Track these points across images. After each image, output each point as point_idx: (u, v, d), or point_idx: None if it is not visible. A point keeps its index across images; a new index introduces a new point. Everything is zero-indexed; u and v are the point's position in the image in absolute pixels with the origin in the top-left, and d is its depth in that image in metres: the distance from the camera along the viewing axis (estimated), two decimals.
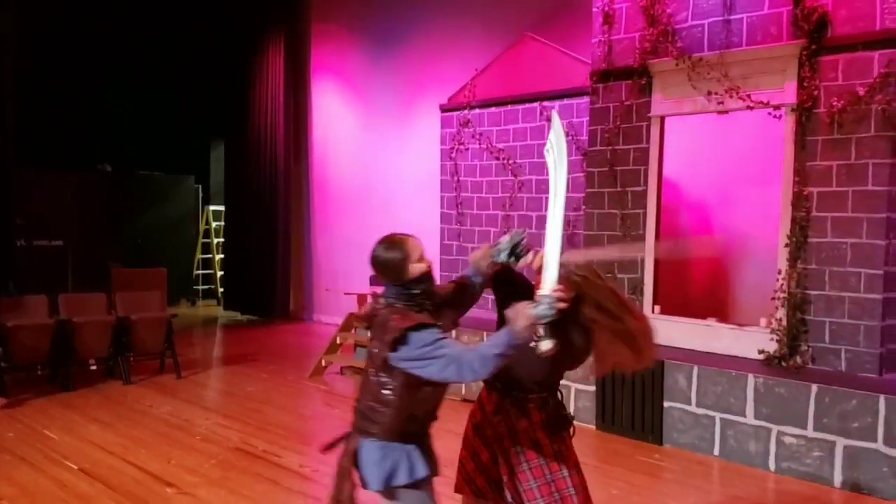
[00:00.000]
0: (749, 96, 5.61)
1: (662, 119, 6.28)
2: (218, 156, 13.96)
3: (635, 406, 5.70)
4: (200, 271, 13.99)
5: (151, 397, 6.39)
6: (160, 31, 12.30)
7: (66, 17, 11.27)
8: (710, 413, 5.29)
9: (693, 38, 5.99)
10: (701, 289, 6.94)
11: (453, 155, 8.70)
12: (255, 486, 4.64)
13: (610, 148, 6.55)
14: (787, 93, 5.45)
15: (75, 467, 4.88)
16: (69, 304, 7.38)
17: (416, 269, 2.78)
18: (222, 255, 13.63)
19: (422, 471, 2.73)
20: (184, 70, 12.85)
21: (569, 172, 2.90)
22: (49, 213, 11.02)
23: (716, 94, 5.78)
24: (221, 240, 13.75)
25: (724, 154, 6.72)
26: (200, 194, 14.30)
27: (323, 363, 7.97)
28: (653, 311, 6.27)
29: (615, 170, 6.53)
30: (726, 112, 5.89)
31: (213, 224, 13.91)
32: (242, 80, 12.30)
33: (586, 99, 7.11)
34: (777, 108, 5.51)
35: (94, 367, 7.39)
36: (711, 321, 5.95)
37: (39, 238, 10.81)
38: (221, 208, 13.62)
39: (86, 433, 5.56)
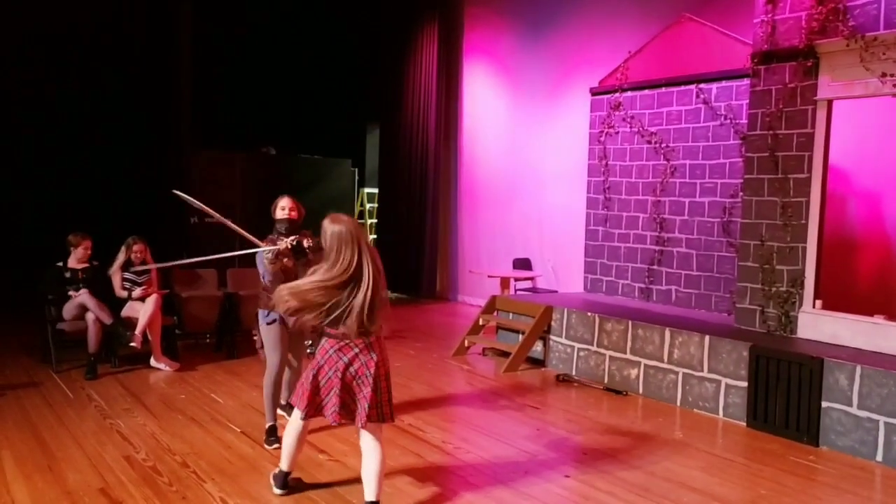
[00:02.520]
0: None
1: (830, 103, 5.89)
2: (373, 139, 14.43)
3: (790, 404, 5.43)
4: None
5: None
6: (320, 19, 12.87)
7: (233, 9, 12.01)
8: (874, 416, 4.95)
9: (867, 16, 5.56)
10: (868, 283, 6.48)
11: (602, 138, 8.56)
12: (400, 459, 4.82)
13: (771, 132, 6.22)
14: None
15: (238, 430, 5.26)
16: (236, 279, 7.93)
17: (277, 213, 5.14)
18: (375, 236, 14.13)
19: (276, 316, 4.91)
20: (342, 56, 13.39)
21: None
22: (219, 192, 11.81)
23: (891, 76, 5.35)
24: (375, 220, 14.25)
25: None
26: (356, 177, 14.85)
27: (466, 343, 8.11)
28: (814, 306, 5.93)
29: (776, 155, 6.20)
30: None
31: (368, 206, 14.44)
32: (397, 64, 12.63)
33: (746, 81, 6.81)
34: None
35: (256, 337, 7.89)
36: (879, 319, 5.55)
37: (209, 216, 11.60)
38: (376, 191, 14.12)
39: (248, 398, 5.98)
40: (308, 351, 5.56)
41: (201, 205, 4.80)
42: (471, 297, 11.80)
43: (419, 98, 12.26)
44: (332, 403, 3.84)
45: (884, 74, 5.37)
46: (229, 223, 4.75)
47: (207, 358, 7.49)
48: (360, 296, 3.70)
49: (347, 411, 3.87)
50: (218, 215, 4.80)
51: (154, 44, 10.80)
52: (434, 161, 12.10)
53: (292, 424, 4.09)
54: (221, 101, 12.12)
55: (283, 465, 4.17)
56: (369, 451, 3.89)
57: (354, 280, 3.72)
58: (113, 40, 10.58)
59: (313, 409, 3.93)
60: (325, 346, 3.89)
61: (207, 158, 11.67)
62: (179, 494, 4.18)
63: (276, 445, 4.87)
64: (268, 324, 4.98)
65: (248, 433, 5.22)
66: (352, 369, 3.84)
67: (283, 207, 5.14)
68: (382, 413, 3.89)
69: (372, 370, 3.83)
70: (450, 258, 12.43)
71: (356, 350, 3.84)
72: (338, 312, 3.71)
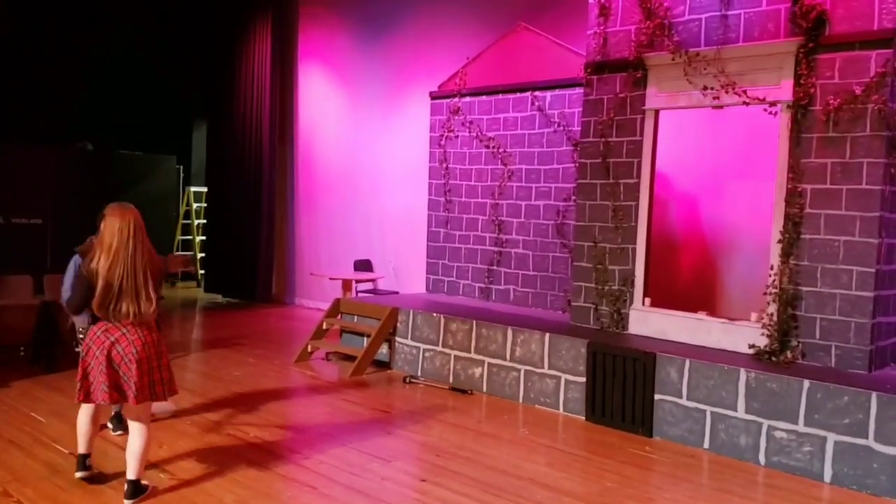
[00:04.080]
0: (745, 92, 5.65)
1: (657, 112, 6.31)
2: (200, 137, 13.80)
3: (626, 398, 5.76)
4: (180, 253, 13.85)
5: None
6: (145, 9, 12.12)
7: None
8: (701, 406, 5.35)
9: (690, 33, 6.01)
10: (689, 282, 7.01)
11: (442, 142, 8.68)
12: (247, 473, 4.62)
13: (603, 140, 6.56)
14: (784, 90, 5.50)
15: (66, 451, 4.82)
16: (54, 286, 7.27)
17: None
18: (203, 237, 13.51)
19: None
20: (168, 49, 12.68)
21: None
22: (28, 190, 10.83)
23: (711, 89, 5.81)
24: (202, 221, 13.62)
25: (716, 148, 6.78)
26: (181, 175, 14.13)
27: (309, 349, 7.94)
28: (643, 304, 6.32)
29: (608, 161, 6.55)
30: (721, 107, 5.92)
31: (195, 205, 13.78)
32: (227, 60, 12.14)
33: (579, 90, 7.13)
34: (773, 104, 5.56)
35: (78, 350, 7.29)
36: (702, 315, 6.02)
37: (18, 216, 10.63)
38: (203, 189, 13.49)
39: (74, 416, 5.44)
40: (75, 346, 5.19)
41: None
42: (309, 301, 11.57)
43: (251, 95, 11.85)
44: (99, 382, 4.02)
45: (705, 87, 5.82)
46: None
47: (23, 373, 6.80)
48: (126, 282, 3.99)
49: (120, 391, 4.06)
50: None
51: None
52: (268, 160, 11.74)
53: (82, 412, 4.39)
54: (29, 92, 11.10)
55: (81, 448, 4.40)
56: (134, 431, 4.15)
57: (122, 267, 4.00)
58: None
59: (83, 393, 4.10)
60: (94, 328, 4.10)
61: (13, 153, 10.65)
62: None
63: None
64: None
65: (77, 455, 4.79)
66: (118, 348, 4.03)
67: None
68: (155, 392, 4.14)
69: (138, 349, 4.03)
70: (286, 260, 12.12)
71: (123, 331, 4.05)
72: (108, 297, 4.00)
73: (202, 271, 13.46)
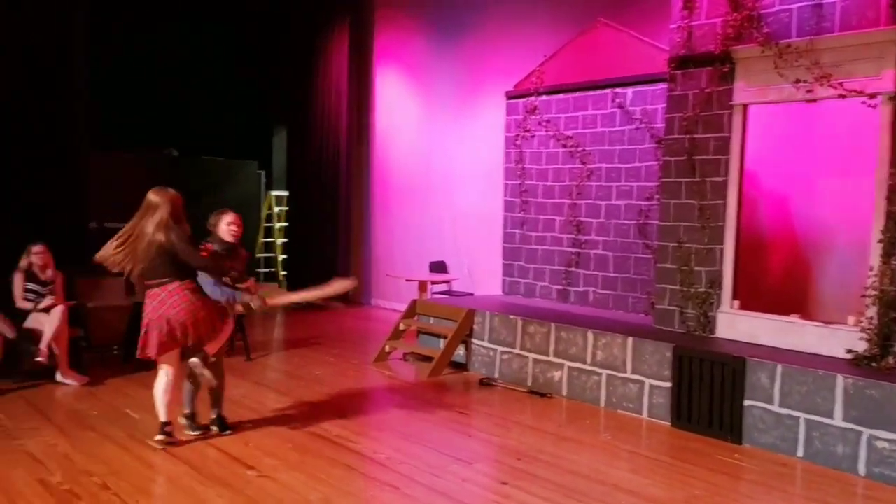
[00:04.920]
0: (841, 84, 5.39)
1: (745, 107, 6.08)
2: (280, 141, 14.08)
3: (713, 403, 5.56)
4: (263, 255, 14.18)
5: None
6: (225, 18, 12.45)
7: (133, 6, 11.46)
8: (795, 413, 5.12)
9: (780, 24, 5.78)
10: (782, 284, 6.73)
11: (518, 142, 8.61)
12: (331, 471, 4.65)
13: (688, 136, 6.38)
14: (885, 80, 5.21)
15: (158, 447, 4.95)
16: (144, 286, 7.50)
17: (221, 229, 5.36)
18: (284, 240, 13.79)
19: None
20: (248, 57, 12.99)
21: None
22: (119, 196, 11.21)
23: (804, 81, 5.56)
24: (283, 224, 13.90)
25: (807, 143, 6.50)
26: (263, 179, 14.45)
27: (387, 349, 7.99)
28: (731, 306, 6.11)
29: (694, 159, 6.36)
30: (815, 101, 5.67)
31: (276, 209, 14.08)
32: (306, 66, 12.33)
33: (662, 86, 6.96)
34: (873, 96, 5.27)
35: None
36: (795, 318, 5.77)
37: (111, 220, 11.02)
38: (284, 193, 13.77)
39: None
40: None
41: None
42: (385, 301, 11.66)
43: (329, 99, 12.01)
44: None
45: (797, 80, 5.59)
46: None
47: (116, 371, 7.05)
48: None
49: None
50: None
51: (48, 41, 10.13)
52: (346, 163, 11.89)
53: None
54: (120, 100, 11.52)
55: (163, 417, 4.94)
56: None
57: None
58: (4, 38, 9.86)
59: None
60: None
61: (105, 160, 11.07)
62: None
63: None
64: None
65: (168, 450, 4.93)
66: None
67: (230, 223, 5.40)
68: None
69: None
70: (363, 262, 12.25)
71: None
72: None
73: (283, 272, 13.75)
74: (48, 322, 6.42)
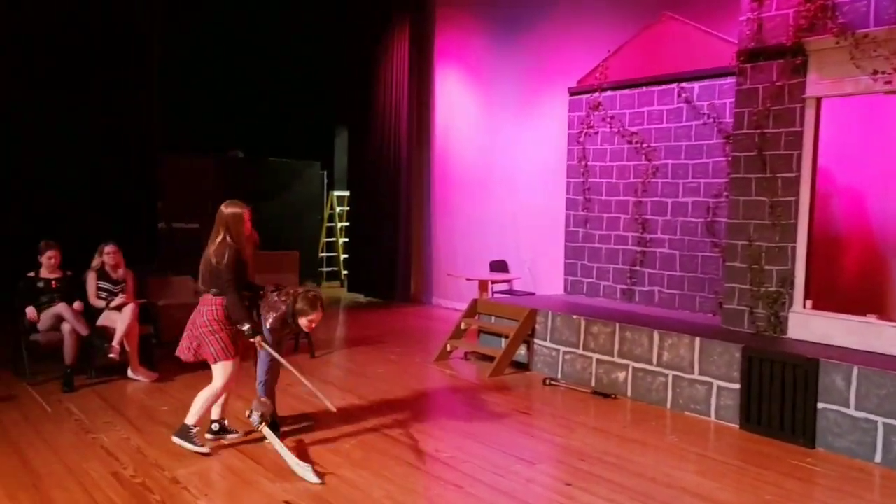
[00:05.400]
0: None
1: (818, 101, 5.88)
2: (342, 142, 14.24)
3: (785, 406, 5.39)
4: (325, 254, 14.36)
5: (289, 376, 6.58)
6: (287, 21, 12.64)
7: (199, 12, 11.74)
8: (872, 417, 4.93)
9: (857, 13, 5.56)
10: (858, 283, 6.50)
11: (581, 139, 8.50)
12: (394, 469, 4.67)
13: (758, 131, 6.20)
14: None
15: (227, 442, 5.04)
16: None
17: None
18: (346, 239, 13.94)
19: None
20: (308, 57, 13.17)
21: None
22: (187, 197, 11.51)
23: (883, 73, 5.35)
24: (345, 224, 14.06)
25: (885, 137, 6.25)
26: (325, 180, 14.64)
27: (448, 348, 7.98)
28: (804, 306, 5.91)
29: (764, 155, 6.17)
30: (894, 92, 5.44)
31: (337, 209, 14.25)
32: (367, 66, 12.45)
33: (730, 80, 6.79)
34: None
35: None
36: (872, 318, 5.55)
37: (179, 221, 11.33)
38: (345, 193, 13.93)
39: (231, 409, 5.71)
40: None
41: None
42: (445, 300, 11.67)
43: (390, 99, 12.09)
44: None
45: (875, 72, 5.37)
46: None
47: (184, 367, 7.13)
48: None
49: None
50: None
51: (121, 48, 10.48)
52: (406, 163, 11.94)
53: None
54: (188, 104, 11.81)
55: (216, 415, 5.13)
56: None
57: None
58: (80, 44, 10.22)
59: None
60: None
61: (174, 163, 11.38)
62: None
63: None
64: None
65: (235, 445, 5.02)
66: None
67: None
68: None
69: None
70: (423, 261, 12.29)
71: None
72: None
73: (345, 272, 13.90)
74: (120, 320, 6.61)
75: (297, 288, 5.15)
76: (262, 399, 5.08)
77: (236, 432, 5.18)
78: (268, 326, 4.97)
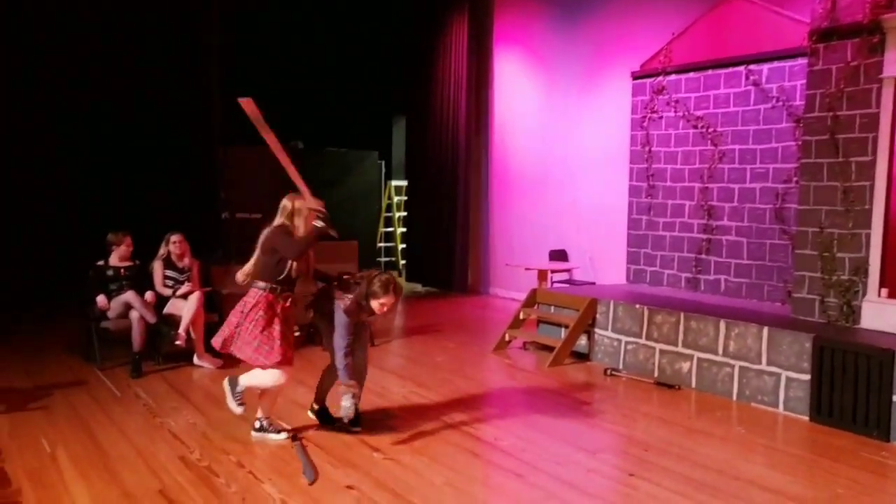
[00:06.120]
0: None
1: None
2: (399, 131, 14.26)
3: (858, 398, 5.20)
4: (383, 244, 14.43)
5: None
6: (345, 11, 12.70)
7: (260, 3, 11.89)
8: None
9: None
10: None
11: (645, 124, 8.33)
12: (455, 456, 4.66)
13: (831, 114, 5.97)
14: None
15: (289, 427, 5.10)
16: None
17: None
18: (403, 229, 13.99)
19: None
20: (368, 48, 13.21)
21: None
22: (250, 187, 11.68)
23: None
24: (402, 214, 14.10)
25: None
26: (383, 169, 14.69)
27: (507, 337, 7.93)
28: (879, 295, 5.69)
29: (837, 138, 5.95)
30: None
31: (395, 198, 14.29)
32: (425, 54, 12.43)
33: (801, 61, 6.57)
34: None
35: (297, 334, 7.75)
36: None
37: (241, 211, 11.51)
38: (403, 183, 13.96)
39: (294, 395, 5.81)
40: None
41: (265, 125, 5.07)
42: (503, 290, 11.61)
43: (448, 88, 12.05)
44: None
45: None
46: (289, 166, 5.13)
47: None
48: None
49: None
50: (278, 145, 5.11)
51: (184, 39, 10.70)
52: (464, 152, 11.89)
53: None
54: (250, 97, 11.97)
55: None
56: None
57: None
58: (144, 37, 10.48)
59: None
60: None
61: (238, 153, 11.56)
62: (238, 496, 4.04)
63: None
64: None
65: (299, 432, 5.07)
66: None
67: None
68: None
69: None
70: (481, 251, 12.24)
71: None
72: None
73: (403, 261, 13.96)
74: (186, 307, 6.75)
75: (373, 271, 5.07)
76: (349, 382, 4.84)
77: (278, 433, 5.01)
78: (343, 308, 4.83)
